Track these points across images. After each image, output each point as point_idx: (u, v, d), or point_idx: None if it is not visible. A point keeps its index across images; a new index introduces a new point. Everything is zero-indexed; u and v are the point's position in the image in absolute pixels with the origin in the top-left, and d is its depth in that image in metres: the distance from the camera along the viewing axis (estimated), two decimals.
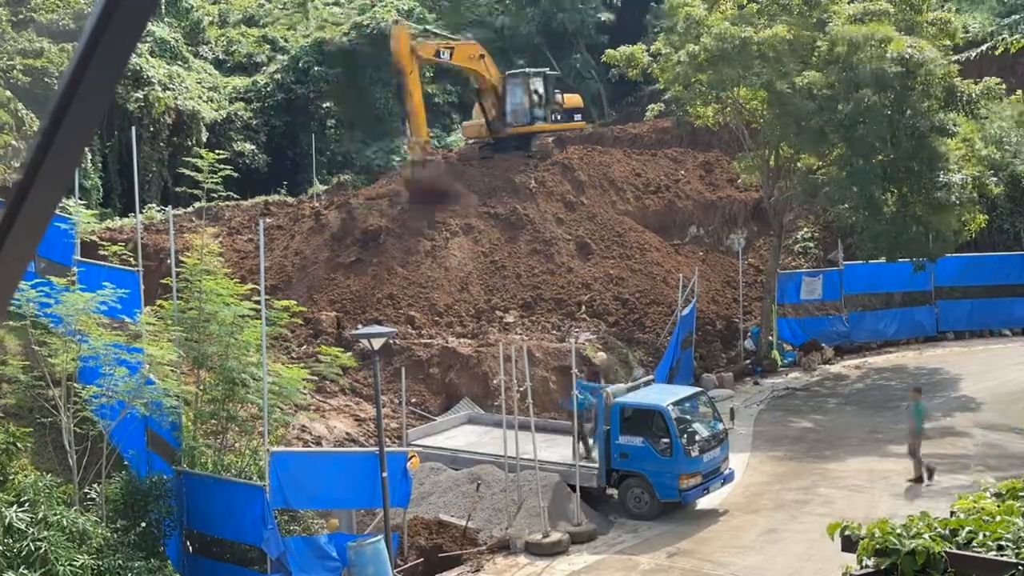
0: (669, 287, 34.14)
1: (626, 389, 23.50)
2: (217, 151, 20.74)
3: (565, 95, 42.75)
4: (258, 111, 47.22)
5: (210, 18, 52.25)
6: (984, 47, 42.07)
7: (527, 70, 42.18)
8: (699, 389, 24.85)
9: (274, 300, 20.48)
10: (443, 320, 31.47)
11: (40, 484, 15.51)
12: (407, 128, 38.72)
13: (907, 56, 28.75)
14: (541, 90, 40.85)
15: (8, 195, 1.82)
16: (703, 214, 40.73)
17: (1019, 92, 33.73)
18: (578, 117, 43.24)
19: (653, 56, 34.57)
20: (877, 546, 7.15)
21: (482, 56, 40.10)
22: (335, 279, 32.77)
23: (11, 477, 16.10)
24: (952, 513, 7.83)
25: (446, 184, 37.06)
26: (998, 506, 7.67)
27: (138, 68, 40.87)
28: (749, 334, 34.43)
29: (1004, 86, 32.44)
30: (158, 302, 19.60)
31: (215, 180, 19.56)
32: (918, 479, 22.61)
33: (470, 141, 42.78)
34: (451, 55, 39.11)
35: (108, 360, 17.18)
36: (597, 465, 22.37)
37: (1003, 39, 41.70)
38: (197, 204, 38.35)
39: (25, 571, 14.04)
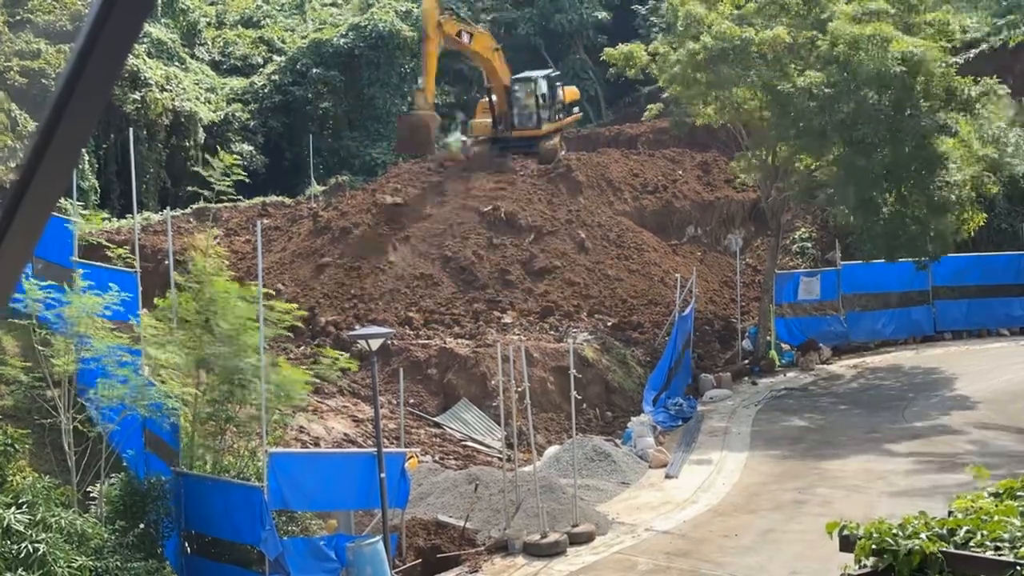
0: (667, 287, 34.13)
1: None
2: (234, 154, 20.66)
3: (565, 88, 43.00)
4: (255, 112, 47.15)
5: (207, 19, 52.17)
6: (983, 47, 42.09)
7: (531, 74, 42.18)
8: None
9: (276, 303, 20.43)
10: (441, 320, 31.44)
11: (39, 485, 15.48)
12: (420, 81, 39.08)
13: (908, 56, 28.72)
14: (547, 92, 40.93)
15: (5, 196, 1.82)
16: (701, 214, 40.73)
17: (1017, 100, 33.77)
18: (576, 109, 43.99)
19: (652, 55, 34.53)
20: (875, 546, 7.15)
21: (497, 50, 40.17)
22: (332, 279, 32.74)
23: (10, 478, 16.07)
24: (950, 513, 7.83)
25: (426, 133, 37.27)
26: (996, 506, 7.68)
27: (135, 69, 40.81)
28: (747, 334, 34.41)
29: (1005, 88, 32.43)
30: (157, 301, 19.53)
31: (228, 184, 19.54)
32: None
33: (479, 138, 42.37)
34: (471, 40, 39.13)
35: (109, 362, 17.16)
36: None
37: (1001, 37, 41.75)
38: (195, 205, 38.45)
39: (23, 573, 14.01)
